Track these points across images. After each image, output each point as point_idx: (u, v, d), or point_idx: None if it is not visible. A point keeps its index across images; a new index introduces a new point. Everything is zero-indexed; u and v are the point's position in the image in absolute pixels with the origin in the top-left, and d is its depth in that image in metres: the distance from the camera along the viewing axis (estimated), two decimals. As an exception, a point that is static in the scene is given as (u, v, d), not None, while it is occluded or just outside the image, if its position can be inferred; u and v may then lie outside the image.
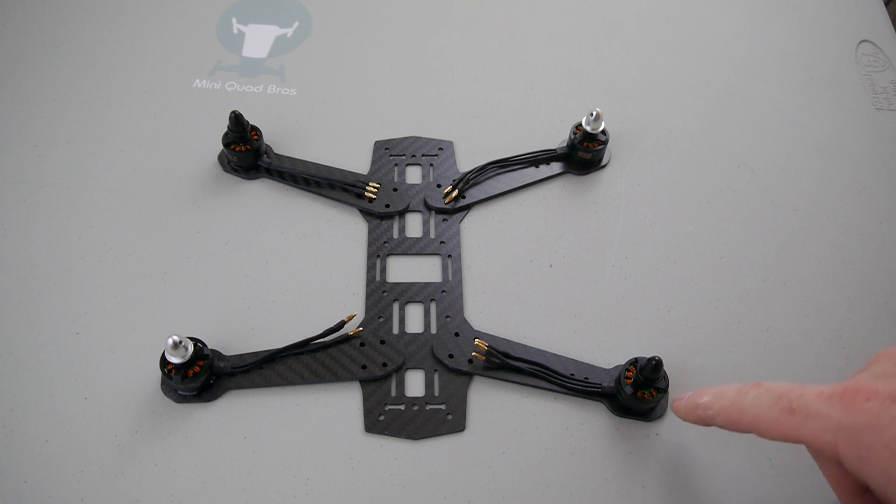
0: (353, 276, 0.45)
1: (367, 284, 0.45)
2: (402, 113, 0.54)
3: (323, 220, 0.48)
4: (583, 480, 0.39)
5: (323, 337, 0.42)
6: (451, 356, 0.42)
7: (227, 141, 0.48)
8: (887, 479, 0.27)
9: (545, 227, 0.48)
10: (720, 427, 0.34)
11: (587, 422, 0.41)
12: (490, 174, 0.50)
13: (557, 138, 0.52)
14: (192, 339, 0.40)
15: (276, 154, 0.50)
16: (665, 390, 0.40)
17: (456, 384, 0.41)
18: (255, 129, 0.49)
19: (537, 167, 0.51)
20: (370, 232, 0.47)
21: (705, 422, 0.35)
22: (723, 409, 0.33)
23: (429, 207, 0.48)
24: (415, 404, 0.41)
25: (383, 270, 0.46)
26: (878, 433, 0.27)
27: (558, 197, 0.50)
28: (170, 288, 0.45)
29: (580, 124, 0.49)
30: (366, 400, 0.41)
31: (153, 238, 0.47)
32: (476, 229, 0.48)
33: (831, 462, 0.32)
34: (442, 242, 0.47)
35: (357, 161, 0.51)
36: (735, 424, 0.33)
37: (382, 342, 0.43)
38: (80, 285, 0.44)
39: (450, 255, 0.46)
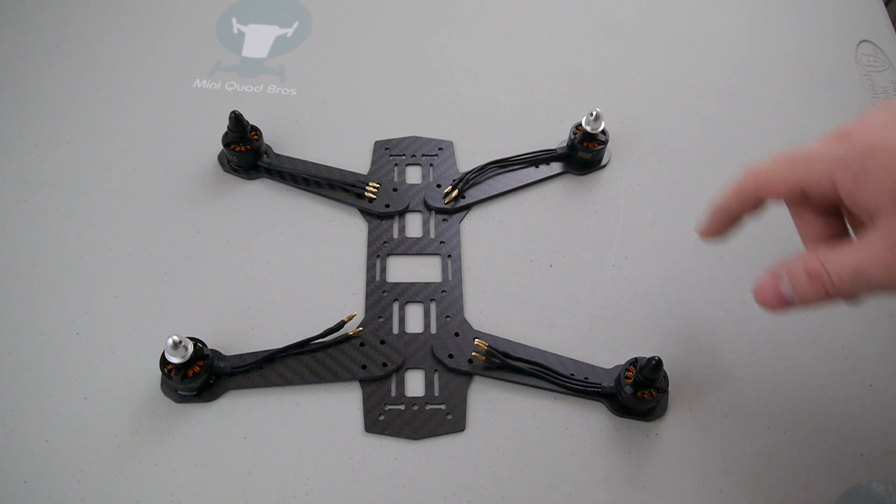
0: (353, 276, 0.45)
1: (367, 284, 0.45)
2: (402, 113, 0.54)
3: (323, 220, 0.48)
4: (583, 480, 0.39)
5: (323, 337, 0.42)
6: (451, 356, 0.42)
7: (227, 141, 0.48)
8: (879, 192, 0.31)
9: (545, 227, 0.48)
10: (740, 212, 0.37)
11: (587, 422, 0.41)
12: (490, 174, 0.50)
13: (557, 138, 0.52)
14: (192, 339, 0.40)
15: (276, 154, 0.50)
16: (665, 390, 0.40)
17: (456, 384, 0.41)
18: (255, 129, 0.49)
19: (537, 167, 0.51)
20: (370, 232, 0.47)
21: (728, 219, 0.37)
22: (734, 193, 0.36)
23: (429, 207, 0.48)
24: (415, 404, 0.41)
25: (383, 270, 0.46)
26: (871, 156, 0.31)
27: (558, 197, 0.50)
28: (170, 288, 0.45)
29: (580, 124, 0.49)
30: (366, 400, 0.41)
31: (153, 238, 0.47)
32: (476, 229, 0.48)
33: (812, 216, 0.36)
34: (442, 242, 0.47)
35: (357, 161, 0.51)
36: (748, 196, 0.36)
37: (382, 342, 0.43)
38: (80, 285, 0.44)
39: (450, 255, 0.46)
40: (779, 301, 0.35)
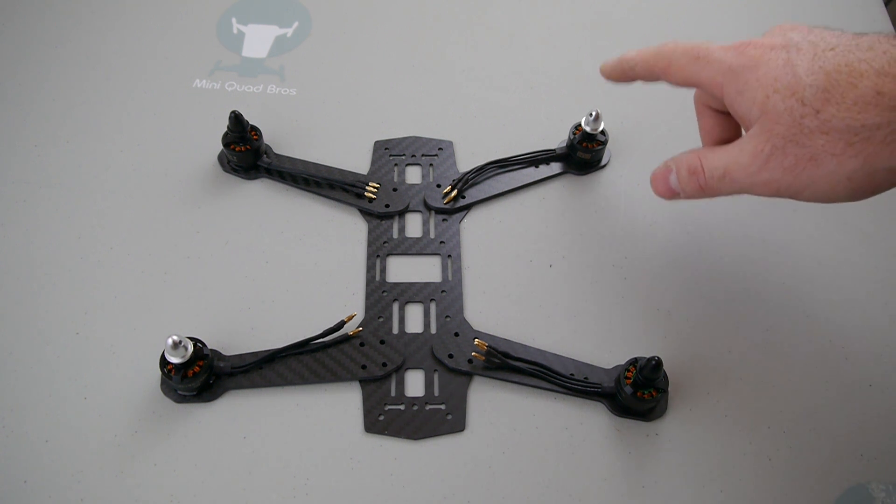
0: (353, 276, 0.45)
1: (367, 284, 0.45)
2: (402, 113, 0.54)
3: (323, 220, 0.48)
4: (583, 480, 0.39)
5: (323, 337, 0.42)
6: (450, 356, 0.42)
7: (227, 141, 0.48)
8: (752, 104, 0.34)
9: (545, 227, 0.48)
10: (639, 77, 0.41)
11: (587, 422, 0.41)
12: (489, 174, 0.50)
13: (557, 138, 0.52)
14: (192, 339, 0.40)
15: (275, 154, 0.50)
16: (665, 390, 0.40)
17: (456, 384, 0.41)
18: (254, 129, 0.49)
19: (537, 167, 0.51)
20: (370, 232, 0.47)
21: (627, 74, 0.41)
22: (643, 59, 0.40)
23: (428, 207, 0.48)
24: (414, 404, 0.41)
25: (383, 270, 0.46)
26: (754, 70, 0.34)
27: (558, 197, 0.50)
28: (170, 288, 0.45)
29: (580, 124, 0.49)
30: (366, 400, 0.41)
31: (153, 238, 0.47)
32: (476, 229, 0.48)
33: (711, 114, 0.40)
34: (442, 242, 0.47)
35: (357, 161, 0.51)
36: (651, 70, 0.40)
37: (382, 342, 0.43)
38: (80, 285, 0.44)
39: (449, 255, 0.46)
40: (668, 191, 0.40)
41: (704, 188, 0.37)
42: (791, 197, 0.35)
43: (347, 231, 0.47)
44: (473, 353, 0.42)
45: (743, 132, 0.37)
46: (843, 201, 0.34)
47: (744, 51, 0.35)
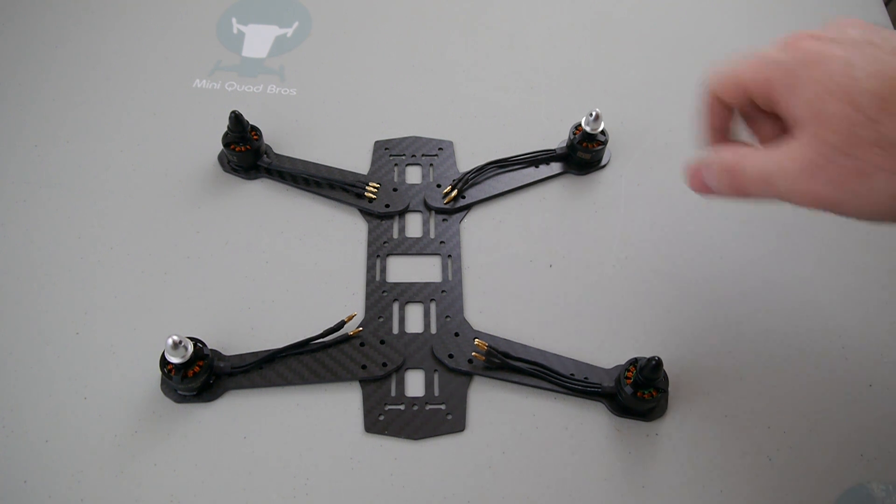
0: (353, 276, 0.45)
1: (367, 284, 0.45)
2: (402, 113, 0.54)
3: (323, 220, 0.48)
4: (583, 480, 0.39)
5: (323, 337, 0.42)
6: (450, 356, 0.42)
7: (227, 141, 0.48)
8: (804, 104, 0.31)
9: (545, 227, 0.48)
10: (708, 118, 0.37)
11: (587, 422, 0.41)
12: (489, 174, 0.50)
13: (557, 138, 0.52)
14: (192, 339, 0.40)
15: (276, 154, 0.50)
16: (665, 390, 0.40)
17: (456, 384, 0.41)
18: (255, 129, 0.49)
19: (537, 167, 0.51)
20: (370, 232, 0.47)
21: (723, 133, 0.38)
22: (702, 98, 0.37)
23: (429, 207, 0.48)
24: (415, 404, 0.41)
25: (383, 270, 0.46)
26: (808, 68, 0.31)
27: (558, 197, 0.50)
28: (170, 288, 0.45)
29: (580, 124, 0.49)
30: (366, 400, 0.41)
31: (153, 238, 0.47)
32: (476, 229, 0.48)
33: (757, 112, 0.36)
34: (442, 242, 0.47)
35: (357, 161, 0.51)
36: (706, 97, 0.37)
37: (382, 342, 0.43)
38: (80, 285, 0.44)
39: (450, 255, 0.46)
40: (701, 187, 0.37)
41: (740, 190, 0.34)
42: (831, 211, 0.32)
43: (347, 231, 0.47)
44: (473, 353, 0.42)
45: (789, 133, 0.34)
46: (885, 222, 0.31)
47: (797, 44, 0.32)
